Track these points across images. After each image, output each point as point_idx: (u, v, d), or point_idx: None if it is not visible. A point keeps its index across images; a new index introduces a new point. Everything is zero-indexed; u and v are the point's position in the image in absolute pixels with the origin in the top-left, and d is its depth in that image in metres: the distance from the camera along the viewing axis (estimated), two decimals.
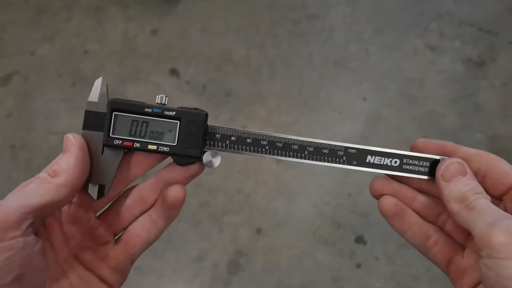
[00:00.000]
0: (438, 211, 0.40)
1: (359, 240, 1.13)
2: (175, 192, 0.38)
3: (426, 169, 0.39)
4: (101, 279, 0.38)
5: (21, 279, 0.29)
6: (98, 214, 0.40)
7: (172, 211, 0.39)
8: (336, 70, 1.33)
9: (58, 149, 0.37)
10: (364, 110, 1.27)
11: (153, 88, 1.32)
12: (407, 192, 0.40)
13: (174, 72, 1.35)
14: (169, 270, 1.12)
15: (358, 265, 1.11)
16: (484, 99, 1.28)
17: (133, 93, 1.31)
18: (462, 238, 0.39)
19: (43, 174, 0.34)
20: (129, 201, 0.39)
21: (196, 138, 0.38)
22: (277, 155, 0.40)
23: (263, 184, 1.19)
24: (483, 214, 0.33)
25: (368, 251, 1.12)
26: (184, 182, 0.39)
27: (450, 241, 0.39)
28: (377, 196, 0.40)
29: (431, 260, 0.40)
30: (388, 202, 0.39)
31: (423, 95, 1.29)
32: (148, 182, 0.39)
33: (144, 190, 0.39)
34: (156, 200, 0.39)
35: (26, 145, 1.25)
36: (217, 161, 0.39)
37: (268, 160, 1.20)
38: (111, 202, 0.40)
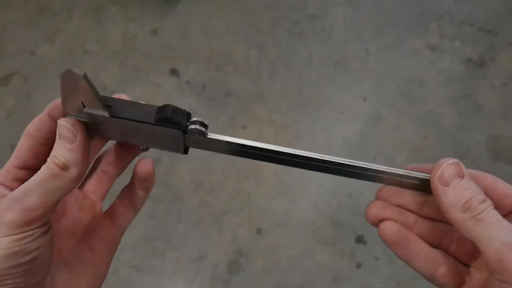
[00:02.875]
0: (440, 234, 0.37)
1: (359, 240, 1.13)
2: (143, 166, 0.39)
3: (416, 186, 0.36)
4: (94, 250, 0.39)
5: (36, 258, 0.32)
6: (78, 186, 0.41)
7: (146, 182, 0.40)
8: (336, 70, 1.33)
9: None
10: (364, 110, 1.27)
11: (153, 88, 1.32)
12: (409, 217, 0.37)
13: (174, 72, 1.35)
14: (169, 270, 1.12)
15: (358, 265, 1.11)
16: (484, 99, 1.28)
17: (133, 93, 1.31)
18: (467, 258, 0.37)
19: (53, 166, 0.33)
20: (102, 164, 0.41)
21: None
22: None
23: (263, 184, 1.19)
24: (496, 230, 0.31)
25: (368, 251, 1.12)
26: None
27: (458, 265, 0.37)
28: (376, 223, 0.37)
29: (440, 287, 0.36)
30: (390, 228, 0.36)
31: (423, 95, 1.29)
32: (113, 146, 0.41)
33: (112, 152, 0.41)
34: (126, 157, 0.41)
35: None
36: None
37: None
38: (87, 171, 0.41)
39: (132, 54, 1.37)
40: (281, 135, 1.24)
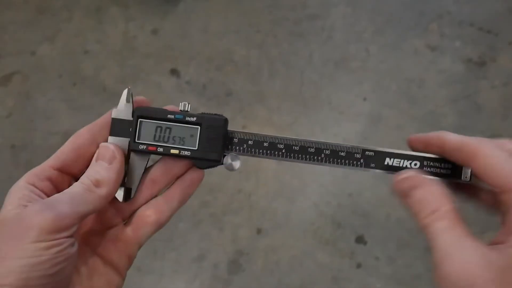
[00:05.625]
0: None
1: (360, 240, 1.13)
2: (196, 172, 0.41)
3: (449, 171, 0.38)
4: (108, 262, 0.38)
5: (62, 271, 0.32)
6: None
7: (190, 189, 0.41)
8: (336, 70, 1.33)
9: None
10: (365, 110, 1.27)
11: (154, 88, 1.32)
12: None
13: (174, 72, 1.35)
14: (170, 270, 1.12)
15: (359, 265, 1.11)
16: (484, 99, 1.28)
17: (133, 93, 1.31)
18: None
19: (87, 181, 0.35)
20: (140, 184, 0.40)
21: (216, 143, 0.40)
22: (293, 158, 0.41)
23: (263, 184, 1.19)
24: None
25: (368, 251, 1.12)
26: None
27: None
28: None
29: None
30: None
31: (423, 95, 1.29)
32: (158, 166, 0.40)
33: (155, 172, 0.40)
34: (167, 182, 0.41)
35: (27, 145, 1.25)
36: (237, 164, 0.40)
37: (268, 160, 1.20)
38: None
39: (132, 54, 1.37)
40: (281, 135, 1.24)
